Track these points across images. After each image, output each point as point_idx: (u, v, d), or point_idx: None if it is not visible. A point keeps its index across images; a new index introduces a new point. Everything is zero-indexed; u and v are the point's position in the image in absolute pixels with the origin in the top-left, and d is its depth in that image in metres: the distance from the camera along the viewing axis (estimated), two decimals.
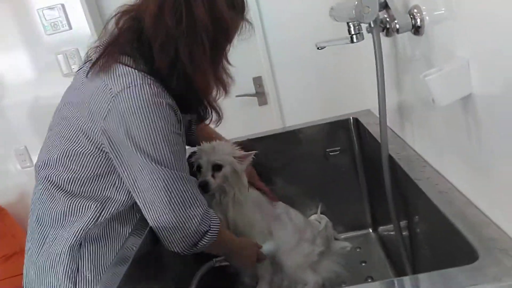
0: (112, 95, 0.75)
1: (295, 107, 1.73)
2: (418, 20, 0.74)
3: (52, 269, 0.81)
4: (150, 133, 0.74)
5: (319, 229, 1.27)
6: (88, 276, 0.80)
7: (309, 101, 1.69)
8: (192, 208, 0.78)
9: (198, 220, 0.78)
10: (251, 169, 1.18)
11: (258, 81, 1.80)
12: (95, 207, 0.81)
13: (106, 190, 0.82)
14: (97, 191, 0.82)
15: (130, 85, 0.74)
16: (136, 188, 0.77)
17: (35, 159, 1.72)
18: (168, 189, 0.76)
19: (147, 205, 0.77)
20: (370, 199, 1.37)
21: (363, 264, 1.26)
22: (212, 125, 1.05)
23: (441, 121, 0.78)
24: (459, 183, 0.73)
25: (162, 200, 0.76)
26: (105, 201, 0.82)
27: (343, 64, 1.60)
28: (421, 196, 0.77)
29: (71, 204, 0.82)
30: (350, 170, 1.35)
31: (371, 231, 1.40)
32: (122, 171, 0.78)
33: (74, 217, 0.81)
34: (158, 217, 0.77)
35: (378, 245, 1.33)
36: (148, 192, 0.76)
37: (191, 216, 0.78)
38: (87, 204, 0.81)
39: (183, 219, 0.77)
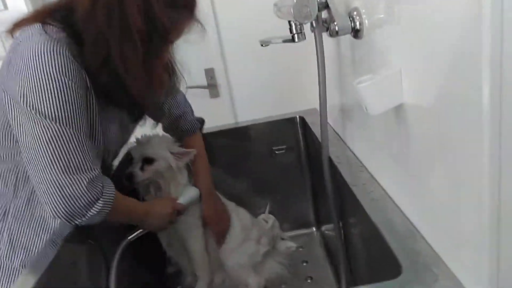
0: (16, 43, 0.70)
1: (246, 101, 1.68)
2: (358, 23, 0.72)
3: None
4: (40, 85, 0.66)
5: (266, 229, 1.26)
6: (3, 250, 0.77)
7: (260, 96, 1.64)
8: (78, 172, 0.69)
9: (83, 187, 0.69)
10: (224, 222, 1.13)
11: (210, 73, 1.74)
12: (14, 172, 0.77)
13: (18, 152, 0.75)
14: (9, 154, 0.76)
15: (38, 36, 0.68)
16: (22, 144, 0.70)
17: None
18: (52, 145, 0.67)
19: (31, 164, 0.69)
20: (314, 198, 1.37)
21: (305, 264, 1.26)
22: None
23: (377, 126, 0.77)
24: (392, 191, 0.73)
25: (44, 157, 0.67)
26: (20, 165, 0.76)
27: (295, 61, 1.57)
28: (356, 202, 0.76)
29: None
30: (295, 168, 1.33)
31: (314, 230, 1.40)
32: (14, 127, 0.71)
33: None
34: (40, 177, 0.68)
35: (320, 244, 1.33)
36: (32, 149, 0.68)
37: (75, 181, 0.69)
38: (4, 167, 0.77)
39: (67, 183, 0.68)
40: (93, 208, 0.71)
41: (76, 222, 0.71)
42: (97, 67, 0.71)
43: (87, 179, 0.70)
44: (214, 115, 1.69)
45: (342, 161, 0.92)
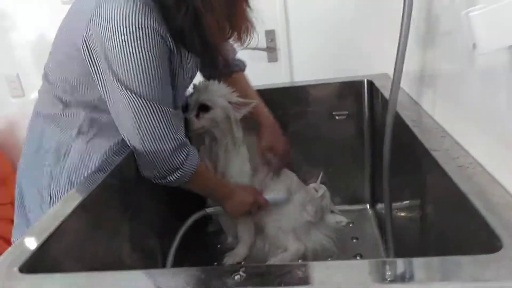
0: (97, 2, 0.69)
1: (306, 66, 1.57)
2: None
3: (37, 164, 0.82)
4: (127, 61, 0.69)
5: (315, 197, 1.17)
6: (62, 185, 0.80)
7: (322, 63, 1.52)
8: (162, 142, 0.74)
9: (166, 155, 0.76)
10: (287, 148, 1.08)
11: (271, 35, 1.64)
12: (85, 114, 0.80)
13: (93, 97, 0.78)
14: (85, 97, 0.79)
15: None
16: (110, 106, 0.75)
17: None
18: (137, 117, 0.72)
19: (120, 125, 0.76)
20: (372, 173, 1.25)
21: (354, 241, 1.16)
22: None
23: (473, 82, 0.64)
24: (485, 159, 0.61)
25: (130, 125, 0.73)
26: (93, 109, 0.80)
27: (363, 20, 1.44)
28: (436, 169, 0.64)
29: (63, 113, 0.81)
30: (355, 138, 1.22)
31: (368, 207, 1.29)
32: (99, 85, 0.74)
33: (65, 123, 0.81)
34: (129, 139, 0.76)
35: (373, 222, 1.22)
36: (119, 115, 0.74)
37: (160, 150, 0.75)
38: (77, 112, 0.80)
39: (152, 150, 0.75)
40: (172, 176, 0.78)
41: (157, 182, 0.80)
42: (174, 2, 0.69)
43: (170, 149, 0.75)
44: (271, 80, 1.60)
45: (419, 126, 0.80)
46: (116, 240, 0.72)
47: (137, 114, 0.71)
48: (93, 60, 0.72)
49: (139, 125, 0.72)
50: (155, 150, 0.75)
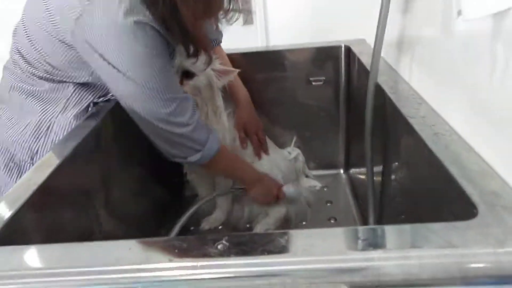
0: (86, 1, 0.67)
1: (282, 30, 1.54)
2: None
3: (15, 139, 0.79)
4: (129, 58, 0.68)
5: (288, 159, 1.18)
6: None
7: (298, 24, 1.49)
8: (178, 127, 0.75)
9: (184, 139, 0.77)
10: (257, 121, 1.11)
11: None
12: (73, 91, 0.80)
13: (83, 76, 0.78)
14: (73, 78, 0.78)
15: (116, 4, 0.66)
16: (115, 94, 0.74)
17: None
18: (151, 108, 0.72)
19: (128, 107, 0.74)
20: (347, 138, 1.26)
21: (329, 205, 1.19)
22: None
23: (453, 50, 0.65)
24: (461, 126, 0.62)
25: (143, 112, 0.73)
26: (83, 86, 0.80)
27: None
28: (413, 136, 0.65)
29: (45, 90, 0.79)
30: (331, 103, 1.22)
31: (342, 172, 1.31)
32: (99, 74, 0.73)
33: (47, 99, 0.80)
34: (144, 126, 0.76)
35: (347, 187, 1.25)
36: (126, 102, 0.73)
37: (177, 134, 0.76)
38: (63, 88, 0.79)
39: (169, 136, 0.76)
40: (192, 157, 0.80)
41: (177, 161, 0.82)
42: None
43: (187, 132, 0.76)
44: (246, 44, 1.55)
45: (396, 92, 0.80)
46: (91, 208, 0.70)
47: (148, 104, 0.72)
48: (88, 55, 0.71)
49: (151, 114, 0.73)
50: (172, 134, 0.75)
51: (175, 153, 0.80)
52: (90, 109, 0.84)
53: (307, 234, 0.44)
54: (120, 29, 0.66)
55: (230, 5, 0.73)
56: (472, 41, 0.57)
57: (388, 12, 0.74)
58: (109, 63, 0.68)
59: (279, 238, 0.43)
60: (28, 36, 0.77)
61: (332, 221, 1.12)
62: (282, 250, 0.42)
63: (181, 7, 0.68)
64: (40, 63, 0.77)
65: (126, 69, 0.68)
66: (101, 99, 0.85)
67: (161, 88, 0.71)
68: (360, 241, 0.43)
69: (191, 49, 0.79)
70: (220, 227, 1.10)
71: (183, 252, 0.42)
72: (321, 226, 1.09)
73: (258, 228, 1.06)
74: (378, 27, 0.75)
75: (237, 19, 0.77)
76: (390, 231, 0.44)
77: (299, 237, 0.43)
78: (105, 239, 0.69)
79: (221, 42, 1.07)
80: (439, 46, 0.70)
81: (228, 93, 1.04)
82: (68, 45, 0.73)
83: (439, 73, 0.71)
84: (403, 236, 0.43)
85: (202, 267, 0.40)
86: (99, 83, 0.81)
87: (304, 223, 1.12)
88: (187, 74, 0.90)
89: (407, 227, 0.44)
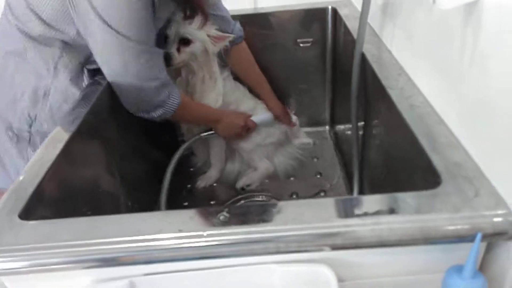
0: None
1: None
2: None
3: (10, 106, 0.83)
4: (115, 5, 0.71)
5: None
6: (45, 125, 0.83)
7: None
8: (146, 81, 0.80)
9: (151, 93, 0.81)
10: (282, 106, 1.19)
11: None
12: (60, 51, 0.81)
13: (68, 34, 0.79)
14: (59, 35, 0.79)
15: None
16: (91, 44, 0.77)
17: None
18: (124, 57, 0.76)
19: (104, 66, 0.79)
20: (332, 96, 1.32)
21: (315, 160, 1.27)
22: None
23: (430, 27, 0.69)
24: (434, 99, 0.68)
25: (118, 65, 0.77)
26: (67, 46, 0.81)
27: None
28: (390, 106, 0.71)
29: (33, 49, 0.81)
30: (318, 64, 1.26)
31: (328, 128, 1.39)
32: (78, 23, 0.76)
33: (37, 61, 0.81)
34: (113, 77, 0.80)
35: (332, 143, 1.33)
36: (104, 54, 0.77)
37: (144, 88, 0.80)
38: (51, 48, 0.81)
39: (136, 88, 0.80)
40: (155, 112, 0.85)
41: (140, 116, 0.86)
42: None
43: (154, 87, 0.81)
44: (233, 6, 1.54)
45: (378, 61, 0.85)
46: (101, 177, 0.77)
47: (124, 54, 0.75)
48: (71, 4, 0.73)
49: (125, 64, 0.76)
50: (140, 88, 0.80)
51: (139, 107, 0.84)
52: (84, 75, 0.86)
53: (296, 204, 0.52)
54: None
55: None
56: (447, 22, 0.62)
57: None
58: (93, 9, 0.71)
59: (272, 209, 0.51)
60: None
61: (318, 176, 1.20)
62: (275, 219, 0.49)
63: None
64: (26, 14, 0.78)
65: (110, 17, 0.71)
66: (92, 66, 0.87)
67: (136, 38, 0.75)
68: (340, 210, 0.50)
69: (188, 10, 0.83)
70: (214, 184, 1.18)
71: (190, 223, 0.49)
72: (308, 182, 1.18)
73: (242, 181, 1.14)
74: (363, 2, 0.78)
75: None
76: (365, 201, 0.51)
77: (289, 207, 0.51)
78: (114, 204, 0.77)
79: (243, 39, 1.12)
80: (418, 20, 0.74)
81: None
82: None
83: (417, 45, 0.75)
84: (377, 204, 0.50)
85: (208, 235, 0.48)
86: (83, 43, 0.81)
87: (292, 178, 1.20)
88: (183, 41, 0.93)
89: (380, 196, 0.51)
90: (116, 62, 0.77)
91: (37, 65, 0.81)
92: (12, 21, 0.80)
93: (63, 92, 0.82)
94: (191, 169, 1.24)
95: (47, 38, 0.79)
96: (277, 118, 1.17)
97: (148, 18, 0.76)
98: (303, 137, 1.32)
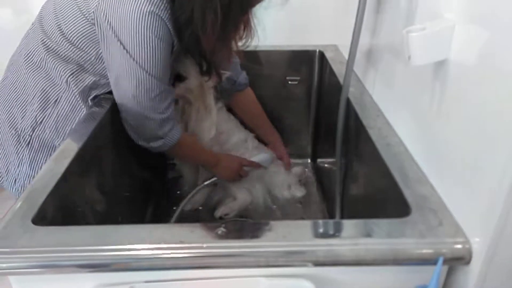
0: None
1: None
2: None
3: (20, 106, 0.88)
4: (139, 42, 0.78)
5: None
6: (47, 131, 0.88)
7: (275, 24, 1.60)
8: (153, 113, 0.86)
9: (153, 124, 0.87)
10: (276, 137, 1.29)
11: None
12: (75, 68, 0.87)
13: (87, 57, 0.86)
14: (78, 55, 0.86)
15: None
16: (110, 68, 0.84)
17: None
18: (139, 88, 0.82)
19: (117, 86, 0.85)
20: (315, 131, 1.42)
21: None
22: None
23: (406, 77, 0.79)
24: (407, 140, 0.77)
25: (130, 93, 0.83)
26: (81, 68, 0.88)
27: None
28: (369, 144, 0.80)
29: (51, 62, 0.87)
30: (303, 101, 1.36)
31: (309, 161, 1.47)
32: (102, 47, 0.83)
33: (53, 72, 0.87)
34: (123, 100, 0.85)
35: (314, 175, 1.41)
36: (120, 79, 0.83)
37: (150, 118, 0.86)
38: (66, 65, 0.87)
39: (142, 117, 0.86)
40: (155, 142, 0.90)
41: (140, 144, 0.91)
42: (181, 23, 0.80)
43: (159, 120, 0.87)
44: None
45: (359, 103, 0.95)
46: (96, 191, 0.81)
47: (139, 84, 0.82)
48: (102, 24, 0.80)
49: (137, 93, 0.82)
50: (145, 117, 0.86)
51: (141, 135, 0.90)
52: (89, 97, 0.91)
53: (285, 224, 0.58)
54: (140, 14, 0.76)
55: (244, 32, 0.87)
56: (420, 75, 0.72)
57: (361, 27, 0.87)
58: (119, 41, 0.78)
59: (264, 227, 0.57)
60: (54, 3, 0.87)
61: (298, 205, 1.27)
62: (266, 235, 0.56)
63: (203, 39, 0.81)
64: (53, 31, 0.85)
65: (134, 51, 0.79)
66: (101, 90, 0.93)
67: (156, 74, 0.82)
68: (323, 231, 0.57)
69: (204, 67, 0.92)
70: (200, 207, 1.23)
71: (193, 236, 0.55)
72: (288, 210, 1.24)
73: (220, 210, 1.18)
74: (349, 56, 0.88)
75: (248, 46, 0.92)
76: (346, 224, 0.59)
77: (279, 227, 0.57)
78: (104, 218, 0.82)
79: (248, 86, 1.23)
80: (396, 70, 0.84)
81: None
82: (87, 18, 0.82)
83: (395, 91, 0.85)
84: (356, 228, 0.58)
85: (207, 247, 0.54)
86: (98, 68, 0.89)
87: (274, 207, 1.26)
88: (179, 78, 1.00)
89: (359, 221, 0.59)
90: (129, 89, 0.82)
91: (52, 74, 0.87)
92: (39, 34, 0.87)
93: (72, 104, 0.88)
94: (178, 192, 1.29)
95: (67, 56, 0.86)
96: (279, 159, 1.26)
97: (167, 58, 0.84)
98: (297, 189, 1.30)
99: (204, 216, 1.21)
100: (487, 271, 0.53)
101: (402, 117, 0.81)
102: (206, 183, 1.14)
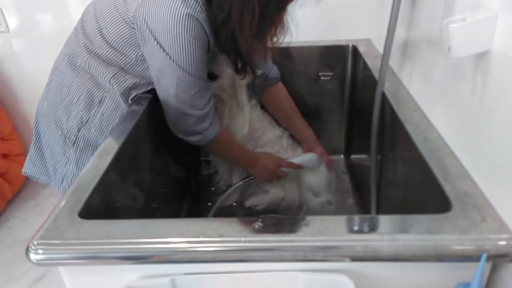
0: None
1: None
2: None
3: (65, 107, 0.92)
4: (174, 40, 0.81)
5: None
6: (92, 130, 0.91)
7: (307, 20, 1.59)
8: (193, 109, 0.90)
9: (194, 120, 0.91)
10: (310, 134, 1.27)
11: None
12: (117, 70, 0.90)
13: (127, 59, 0.90)
14: (119, 58, 0.90)
15: None
16: (152, 68, 0.88)
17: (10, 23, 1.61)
18: (179, 87, 0.86)
19: (160, 87, 0.89)
20: (348, 128, 1.40)
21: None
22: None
23: (445, 69, 0.77)
24: (447, 134, 0.75)
25: (172, 91, 0.87)
26: (122, 70, 0.91)
27: None
28: (407, 139, 0.79)
29: (94, 66, 0.90)
30: (337, 97, 1.35)
31: (342, 157, 1.46)
32: (145, 53, 0.87)
33: (96, 74, 0.90)
34: (165, 98, 0.89)
35: (346, 172, 1.39)
36: (162, 79, 0.87)
37: (189, 114, 0.90)
38: (108, 67, 0.90)
39: (183, 113, 0.90)
40: (193, 137, 0.95)
41: (181, 138, 0.96)
42: (218, 23, 0.82)
43: (198, 115, 0.91)
44: None
45: (395, 98, 0.93)
46: (138, 187, 0.84)
47: (179, 83, 0.85)
48: (143, 26, 0.82)
49: (177, 91, 0.86)
50: (186, 113, 0.90)
51: (181, 130, 0.94)
52: (130, 97, 0.94)
53: (322, 219, 0.58)
54: (176, 17, 0.78)
55: (277, 30, 0.88)
56: (460, 67, 0.70)
57: (395, 29, 0.86)
58: (158, 43, 0.81)
59: (301, 222, 0.57)
60: (95, 8, 0.90)
61: (330, 207, 1.25)
62: (303, 230, 0.56)
63: (240, 38, 0.83)
64: (95, 35, 0.89)
65: (172, 52, 0.82)
66: (141, 90, 0.96)
67: (194, 72, 0.85)
68: (362, 226, 0.57)
69: (240, 65, 0.93)
70: (234, 203, 1.25)
71: (231, 230, 0.56)
72: (321, 211, 1.23)
73: (250, 201, 1.20)
74: (384, 49, 0.87)
75: (281, 43, 0.93)
76: (384, 220, 0.58)
77: (316, 222, 0.57)
78: (142, 213, 0.84)
79: (279, 80, 1.22)
80: (434, 63, 0.82)
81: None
82: (127, 22, 0.85)
83: (433, 85, 0.83)
84: (394, 223, 0.57)
85: (245, 241, 0.55)
86: (138, 70, 0.92)
87: (307, 205, 1.26)
88: (211, 76, 1.01)
89: (397, 217, 0.58)
90: (170, 87, 0.86)
91: (96, 75, 0.91)
92: (81, 39, 0.91)
93: (115, 103, 0.91)
94: (212, 188, 1.31)
95: (109, 59, 0.90)
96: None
97: (204, 56, 0.87)
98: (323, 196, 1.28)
99: (238, 212, 1.22)
100: None
101: (441, 111, 0.79)
102: (244, 180, 1.14)
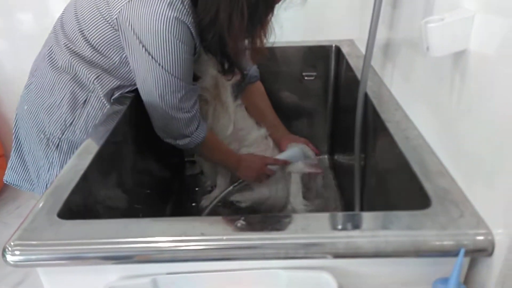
0: None
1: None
2: None
3: (47, 109, 0.90)
4: (159, 43, 0.80)
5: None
6: (77, 132, 0.90)
7: (290, 20, 1.60)
8: (179, 112, 0.89)
9: (181, 123, 0.90)
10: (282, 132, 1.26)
11: None
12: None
13: (110, 62, 0.88)
14: (101, 60, 0.88)
15: None
16: (136, 71, 0.86)
17: None
18: (162, 88, 0.84)
19: (145, 90, 0.87)
20: (332, 127, 1.41)
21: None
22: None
23: (425, 69, 0.78)
24: (426, 132, 0.77)
25: (155, 93, 0.85)
26: (106, 72, 0.89)
27: None
28: (388, 137, 0.80)
29: (77, 66, 0.88)
30: (320, 97, 1.36)
31: (326, 157, 1.47)
32: (129, 56, 0.85)
33: (80, 75, 0.88)
34: (150, 103, 0.88)
35: (331, 170, 1.40)
36: (146, 82, 0.85)
37: (176, 118, 0.89)
38: (92, 69, 0.88)
39: (169, 117, 0.88)
40: (181, 140, 0.93)
41: (166, 141, 0.95)
42: (204, 25, 0.82)
43: (185, 118, 0.90)
44: None
45: (377, 97, 0.94)
46: (118, 187, 0.83)
47: (165, 86, 0.84)
48: (126, 30, 0.81)
49: (163, 95, 0.85)
50: (172, 117, 0.88)
51: (169, 134, 0.93)
52: (113, 97, 0.92)
53: (304, 216, 0.59)
54: (162, 20, 0.77)
55: (265, 30, 0.88)
56: (439, 67, 0.71)
57: (378, 21, 0.86)
58: (143, 47, 0.80)
59: (284, 219, 0.58)
60: (75, 8, 0.88)
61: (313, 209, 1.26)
62: (286, 228, 0.56)
63: (229, 41, 0.82)
64: (76, 36, 0.87)
65: (158, 56, 0.81)
66: (124, 90, 0.94)
67: (181, 76, 0.84)
68: (343, 223, 0.58)
69: (226, 66, 0.93)
70: (219, 203, 1.24)
71: (214, 229, 0.56)
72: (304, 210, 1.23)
73: (234, 197, 1.19)
74: (366, 50, 0.88)
75: (266, 43, 0.92)
76: (366, 216, 0.59)
77: (299, 219, 0.58)
78: (124, 214, 0.83)
79: (258, 79, 1.22)
80: (415, 63, 0.84)
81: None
82: (110, 24, 0.83)
83: (414, 84, 0.85)
84: (375, 220, 0.58)
85: (227, 239, 0.54)
86: (122, 72, 0.90)
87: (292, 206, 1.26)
88: (194, 77, 1.01)
89: (378, 213, 0.59)
90: (156, 90, 0.85)
91: (79, 75, 0.89)
92: (61, 40, 0.89)
93: (100, 102, 0.89)
94: (197, 189, 1.30)
95: (92, 60, 0.88)
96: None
97: (190, 59, 0.86)
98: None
99: (221, 209, 1.22)
100: (510, 262, 0.52)
101: (421, 110, 0.80)
102: (235, 185, 1.14)
